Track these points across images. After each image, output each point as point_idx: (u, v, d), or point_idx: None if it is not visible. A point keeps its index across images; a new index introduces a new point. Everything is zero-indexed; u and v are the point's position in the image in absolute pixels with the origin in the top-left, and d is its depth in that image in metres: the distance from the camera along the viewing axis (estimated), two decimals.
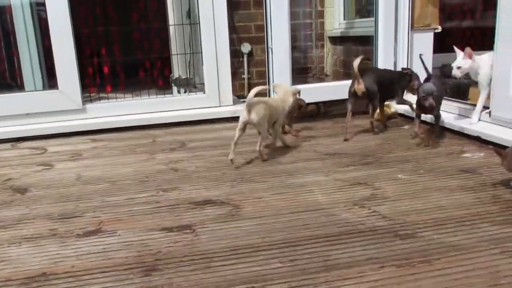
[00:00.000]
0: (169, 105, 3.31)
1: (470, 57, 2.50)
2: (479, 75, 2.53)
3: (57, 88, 3.09)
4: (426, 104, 2.27)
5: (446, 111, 2.87)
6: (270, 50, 3.08)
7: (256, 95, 2.19)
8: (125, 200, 1.80)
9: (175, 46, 3.88)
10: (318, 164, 2.17)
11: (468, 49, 2.50)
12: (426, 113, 2.44)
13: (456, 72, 2.55)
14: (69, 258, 1.35)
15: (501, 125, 2.42)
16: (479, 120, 2.56)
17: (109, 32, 4.84)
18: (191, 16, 3.70)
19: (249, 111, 2.16)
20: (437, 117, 2.45)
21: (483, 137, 2.38)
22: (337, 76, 4.58)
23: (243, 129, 2.20)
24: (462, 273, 1.19)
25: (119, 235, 1.48)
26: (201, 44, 3.31)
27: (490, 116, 2.50)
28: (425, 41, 3.37)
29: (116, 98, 3.33)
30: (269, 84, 3.09)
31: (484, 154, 2.21)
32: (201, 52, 3.32)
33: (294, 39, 4.67)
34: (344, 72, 4.44)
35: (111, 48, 4.65)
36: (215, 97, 3.29)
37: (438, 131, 2.49)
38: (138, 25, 5.06)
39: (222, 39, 3.31)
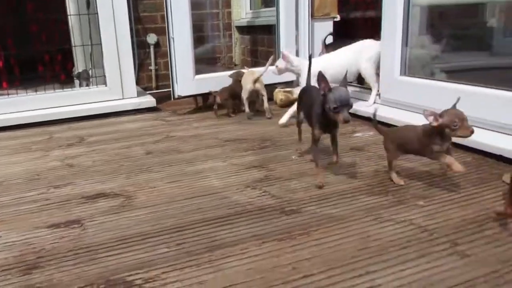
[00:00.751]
0: (69, 99, 3.20)
1: (285, 59, 2.67)
2: (300, 77, 2.72)
3: None
4: (341, 119, 1.54)
5: None
6: (171, 40, 3.07)
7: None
8: (11, 200, 1.74)
9: (77, 38, 3.74)
10: (218, 150, 2.22)
11: (284, 52, 2.68)
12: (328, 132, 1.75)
13: (274, 71, 2.74)
14: None
15: (389, 106, 2.60)
16: (374, 102, 2.73)
17: (1, 24, 4.56)
18: (90, 6, 3.58)
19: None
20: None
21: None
22: (246, 65, 4.65)
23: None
24: (337, 240, 1.28)
25: (0, 236, 1.43)
26: (100, 36, 3.23)
27: (380, 98, 2.68)
28: (325, 30, 3.52)
29: (7, 94, 3.16)
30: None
31: (373, 133, 2.36)
32: (101, 44, 3.24)
33: (201, 29, 4.68)
34: (252, 60, 4.53)
35: (4, 42, 4.39)
36: (117, 89, 3.23)
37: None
38: (35, 15, 4.81)
39: (123, 29, 3.25)
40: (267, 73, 2.86)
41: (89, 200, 1.68)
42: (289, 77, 3.45)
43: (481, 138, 1.91)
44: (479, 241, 1.23)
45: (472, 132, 1.42)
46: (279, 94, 3.21)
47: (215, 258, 1.22)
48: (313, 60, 2.65)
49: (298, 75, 2.74)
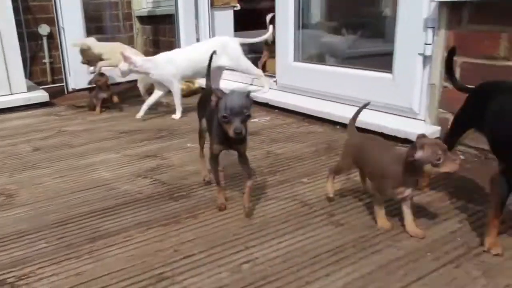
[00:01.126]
0: None
1: (126, 60, 2.54)
2: (151, 75, 2.59)
3: None
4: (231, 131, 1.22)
5: (242, 82, 3.09)
6: (62, 30, 2.94)
7: None
8: None
9: None
10: (112, 143, 2.17)
11: (124, 54, 2.54)
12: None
13: (118, 74, 2.63)
14: None
15: (284, 91, 2.69)
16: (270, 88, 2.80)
17: None
18: None
19: None
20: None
21: (270, 103, 2.62)
22: (148, 56, 4.57)
23: None
24: (222, 220, 1.32)
25: None
26: None
27: (276, 84, 2.76)
28: (225, 19, 3.55)
29: None
30: None
31: (270, 118, 2.44)
32: None
33: (99, 19, 4.52)
34: (154, 51, 4.44)
35: None
36: (3, 84, 3.03)
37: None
38: None
39: (7, 19, 3.04)
40: None
41: None
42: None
43: (364, 117, 2.02)
44: (353, 211, 1.32)
45: (459, 164, 1.10)
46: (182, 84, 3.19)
47: (96, 248, 1.21)
48: (168, 54, 2.66)
49: (146, 74, 2.60)
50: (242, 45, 2.76)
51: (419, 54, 1.90)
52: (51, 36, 4.12)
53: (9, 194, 1.61)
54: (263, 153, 1.88)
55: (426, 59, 1.89)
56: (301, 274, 1.03)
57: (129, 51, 2.75)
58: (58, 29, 2.93)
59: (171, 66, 2.58)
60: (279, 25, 2.70)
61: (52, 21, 4.06)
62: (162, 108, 2.83)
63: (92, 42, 2.84)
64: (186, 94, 3.17)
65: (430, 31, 1.84)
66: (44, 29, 4.07)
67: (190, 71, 2.62)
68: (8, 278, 1.10)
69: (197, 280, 1.05)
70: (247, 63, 2.73)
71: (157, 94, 2.66)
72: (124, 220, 1.35)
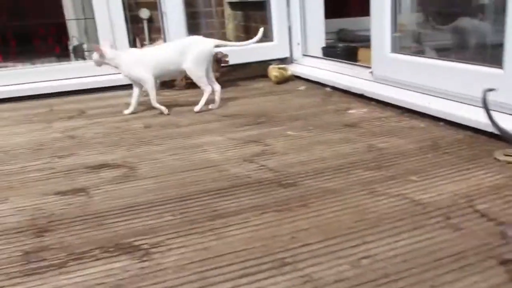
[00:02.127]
0: (67, 73, 3.18)
1: (98, 52, 2.47)
2: (120, 69, 2.52)
3: None
4: None
5: (337, 72, 3.06)
6: (164, 14, 3.05)
7: None
8: (19, 168, 1.76)
9: (71, 11, 3.70)
10: (215, 125, 2.24)
11: (94, 46, 2.54)
12: None
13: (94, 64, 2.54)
14: None
15: (381, 83, 2.63)
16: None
17: None
18: None
19: None
20: None
21: (366, 95, 2.58)
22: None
23: None
24: (334, 212, 1.32)
25: (12, 201, 1.46)
26: (93, 10, 3.19)
27: (372, 75, 2.70)
28: (317, 6, 3.51)
29: (6, 66, 3.13)
30: None
31: (366, 110, 2.40)
32: (94, 18, 3.21)
33: (193, 4, 4.63)
34: (245, 37, 4.50)
35: None
36: None
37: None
38: None
39: (116, 3, 3.21)
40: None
41: (93, 170, 1.70)
42: (282, 53, 3.48)
43: (473, 115, 1.95)
44: (471, 215, 1.27)
45: None
46: (273, 71, 3.22)
47: (217, 226, 1.26)
48: (139, 51, 2.63)
49: (116, 68, 2.52)
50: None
51: None
52: (150, 20, 4.28)
53: (131, 167, 1.72)
54: (365, 146, 1.86)
55: None
56: (424, 277, 1.02)
57: (104, 42, 2.63)
58: (161, 13, 3.04)
59: (140, 65, 2.47)
60: (374, 13, 2.61)
61: (151, 6, 4.22)
62: (261, 96, 2.87)
63: None
64: (280, 81, 3.19)
65: None
66: (144, 13, 4.23)
67: (158, 71, 2.50)
68: (143, 244, 1.18)
69: (318, 269, 1.07)
70: (200, 72, 2.48)
71: (135, 91, 2.56)
72: (239, 202, 1.40)
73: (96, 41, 3.38)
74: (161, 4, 2.99)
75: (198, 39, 2.53)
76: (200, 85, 2.52)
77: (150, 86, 2.50)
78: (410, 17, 2.96)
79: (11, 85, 2.99)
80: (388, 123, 2.15)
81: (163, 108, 2.51)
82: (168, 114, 2.48)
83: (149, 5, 4.18)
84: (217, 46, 2.55)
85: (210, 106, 2.57)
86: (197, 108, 2.50)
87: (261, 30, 2.61)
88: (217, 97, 2.58)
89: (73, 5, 3.56)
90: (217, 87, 2.58)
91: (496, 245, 1.12)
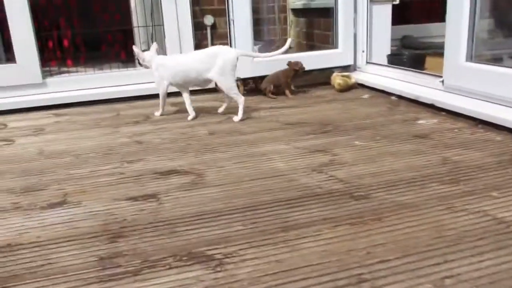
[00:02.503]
0: (132, 78, 3.28)
1: (131, 50, 2.61)
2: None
3: (15, 62, 3.01)
4: None
5: (403, 81, 2.98)
6: (231, 22, 3.08)
7: None
8: (90, 172, 1.82)
9: (140, 18, 3.82)
10: (279, 133, 2.23)
11: (133, 48, 2.62)
12: None
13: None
14: (34, 229, 1.37)
15: (453, 93, 2.53)
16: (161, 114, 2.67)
17: (68, 3, 4.71)
18: None
19: None
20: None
21: (436, 105, 2.49)
22: (301, 48, 4.61)
23: None
24: (410, 228, 1.27)
25: (85, 205, 1.51)
26: (162, 17, 3.28)
27: (443, 84, 2.60)
28: (383, 13, 3.45)
29: (77, 71, 3.28)
30: None
31: (437, 121, 2.31)
32: (163, 25, 3.29)
33: (257, 11, 4.66)
34: (307, 44, 4.48)
35: (71, 21, 4.53)
36: None
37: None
38: None
39: (184, 11, 3.30)
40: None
41: (162, 176, 1.73)
42: (346, 61, 3.43)
43: None
44: None
45: None
46: (337, 79, 3.17)
47: (290, 238, 1.24)
48: (166, 57, 2.62)
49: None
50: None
51: None
52: (213, 27, 4.36)
53: (199, 174, 1.74)
54: (438, 159, 1.79)
55: None
56: None
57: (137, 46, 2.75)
58: (228, 21, 3.08)
59: (162, 69, 2.56)
60: (450, 18, 2.51)
61: (215, 12, 4.30)
62: (324, 103, 2.84)
63: None
64: (343, 89, 3.14)
65: None
66: (209, 20, 4.30)
67: (179, 78, 2.55)
68: (216, 254, 1.18)
69: (398, 287, 1.03)
70: (229, 83, 2.49)
71: (184, 95, 2.65)
72: (311, 214, 1.38)
73: (163, 47, 3.48)
74: (229, 12, 3.03)
75: (221, 49, 2.55)
76: (232, 95, 2.53)
77: (161, 92, 2.63)
78: (483, 24, 2.83)
79: (81, 89, 3.13)
80: (461, 135, 2.06)
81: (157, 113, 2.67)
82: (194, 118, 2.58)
83: (214, 12, 4.26)
84: (241, 55, 2.55)
85: (218, 110, 2.67)
86: (236, 118, 2.51)
87: (289, 40, 2.59)
88: (240, 109, 2.56)
89: (142, 13, 3.68)
90: (241, 99, 2.55)
91: None
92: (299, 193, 1.53)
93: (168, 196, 1.55)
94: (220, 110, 2.70)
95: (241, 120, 2.50)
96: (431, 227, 1.27)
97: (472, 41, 2.44)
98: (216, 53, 2.50)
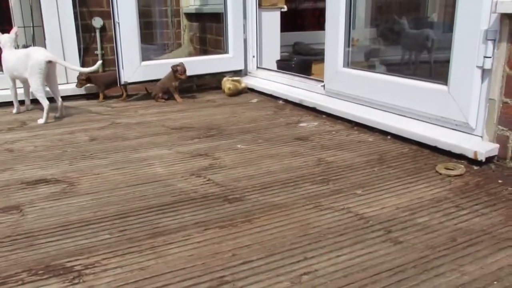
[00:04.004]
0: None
1: None
2: None
3: None
4: None
5: (289, 85, 3.08)
6: (117, 24, 2.99)
7: None
8: None
9: (18, 18, 3.56)
10: (164, 138, 2.20)
11: None
12: None
13: None
14: None
15: (332, 97, 2.66)
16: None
17: None
18: None
19: None
20: None
21: (318, 108, 2.61)
22: (194, 53, 4.60)
23: None
24: (278, 227, 1.31)
25: None
26: (42, 17, 3.09)
27: (324, 89, 2.73)
28: (273, 20, 3.55)
29: None
30: None
31: (317, 123, 2.42)
32: (43, 26, 3.11)
33: (148, 14, 4.58)
34: (200, 48, 4.48)
35: None
36: (61, 73, 3.10)
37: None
38: None
39: (66, 11, 3.14)
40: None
41: (29, 186, 1.62)
42: (237, 65, 3.48)
43: (417, 129, 2.00)
44: (411, 228, 1.29)
45: None
46: (227, 83, 3.21)
47: (157, 244, 1.22)
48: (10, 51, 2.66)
49: None
50: None
51: (478, 66, 1.83)
52: (103, 29, 4.20)
53: (70, 182, 1.65)
54: (314, 160, 1.87)
55: (485, 73, 1.83)
56: None
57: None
58: (114, 23, 2.98)
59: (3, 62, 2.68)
60: (329, 28, 2.65)
61: (105, 15, 4.15)
62: (213, 107, 2.85)
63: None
64: (233, 93, 3.18)
65: (490, 44, 1.78)
66: (97, 22, 4.14)
67: (13, 74, 2.66)
68: (75, 265, 1.13)
69: (257, 287, 1.05)
70: (35, 85, 2.53)
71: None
72: (182, 219, 1.37)
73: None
74: (114, 14, 2.93)
75: (33, 50, 2.59)
76: (37, 97, 2.56)
77: (8, 83, 2.71)
78: (363, 33, 3.03)
79: None
80: (338, 137, 2.18)
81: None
82: None
83: (103, 14, 4.11)
84: (49, 61, 2.55)
85: (56, 114, 2.66)
86: (40, 121, 2.55)
87: (99, 63, 2.67)
88: (59, 109, 2.65)
89: (21, 12, 3.44)
90: (58, 100, 2.64)
91: (433, 258, 1.14)
92: (173, 198, 1.51)
93: (33, 207, 1.45)
94: (57, 114, 2.67)
95: (45, 123, 2.52)
96: (298, 226, 1.32)
97: (349, 47, 2.60)
98: (28, 54, 2.54)
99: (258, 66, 3.52)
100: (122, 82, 3.05)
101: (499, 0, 1.69)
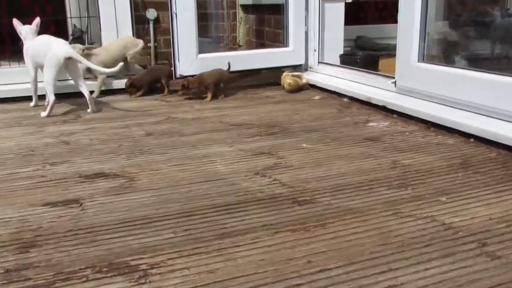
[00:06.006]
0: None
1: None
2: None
3: None
4: None
5: (355, 81, 3.01)
6: (174, 15, 3.02)
7: None
8: (6, 175, 1.71)
9: (74, 8, 3.68)
10: (223, 135, 2.19)
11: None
12: None
13: None
14: None
15: (405, 94, 2.57)
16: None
17: None
18: None
19: None
20: None
21: (388, 107, 2.52)
22: (250, 46, 4.60)
23: None
24: (355, 234, 1.26)
25: None
26: (98, 8, 3.18)
27: (395, 85, 2.65)
28: (336, 12, 3.48)
29: (0, 65, 3.12)
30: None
31: (388, 123, 2.34)
32: (99, 17, 3.19)
33: (204, 6, 4.62)
34: (257, 42, 4.47)
35: None
36: None
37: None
38: None
39: (123, 2, 3.20)
40: None
41: (87, 180, 1.65)
42: (297, 60, 3.44)
43: (506, 132, 1.89)
44: (509, 242, 1.21)
45: None
46: (287, 79, 3.17)
47: (225, 246, 1.20)
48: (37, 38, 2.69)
49: None
50: None
51: None
52: (157, 21, 4.27)
53: (130, 177, 1.67)
54: (388, 162, 1.80)
55: None
56: None
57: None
58: (171, 14, 3.01)
59: (26, 55, 2.72)
60: (402, 20, 2.56)
61: (159, 6, 4.22)
62: (273, 104, 2.83)
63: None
64: (294, 89, 3.14)
65: None
66: (151, 14, 4.21)
67: (35, 63, 2.70)
68: (140, 264, 1.12)
69: None
70: (47, 78, 2.57)
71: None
72: (250, 220, 1.34)
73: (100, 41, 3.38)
74: (172, 5, 2.97)
75: (56, 42, 2.62)
76: (46, 90, 2.59)
77: (30, 75, 2.75)
78: (439, 24, 2.92)
79: (2, 85, 2.97)
80: (413, 138, 2.10)
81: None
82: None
83: (157, 6, 4.18)
84: (68, 57, 2.57)
85: (88, 110, 2.67)
86: (43, 113, 2.58)
87: (120, 64, 2.67)
88: (89, 103, 2.67)
89: (76, 3, 3.56)
90: (86, 93, 2.66)
91: None
92: (238, 198, 1.49)
93: (93, 201, 1.47)
94: (88, 109, 2.68)
95: (48, 116, 2.56)
96: (376, 234, 1.26)
97: (424, 41, 2.50)
98: (50, 44, 2.59)
99: (320, 60, 3.46)
100: (178, 75, 3.08)
101: None
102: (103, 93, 3.05)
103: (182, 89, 2.95)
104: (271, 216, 1.36)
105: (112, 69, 2.65)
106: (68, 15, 3.67)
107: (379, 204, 1.44)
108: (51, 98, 2.56)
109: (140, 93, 3.07)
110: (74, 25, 3.62)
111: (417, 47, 2.50)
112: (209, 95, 2.92)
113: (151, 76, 3.15)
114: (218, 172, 1.72)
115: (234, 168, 1.75)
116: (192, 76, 3.08)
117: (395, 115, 2.45)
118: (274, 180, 1.63)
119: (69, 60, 2.57)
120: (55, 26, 4.00)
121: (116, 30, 3.22)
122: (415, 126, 2.27)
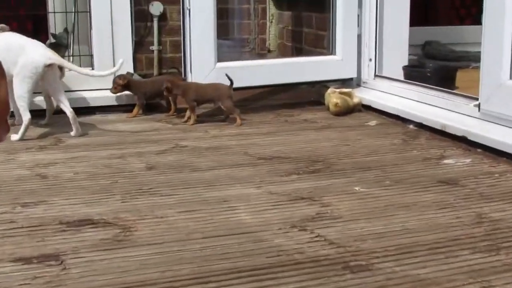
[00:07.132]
0: None
1: None
2: None
3: None
4: None
5: (425, 103, 3.00)
6: (187, 11, 3.08)
7: None
8: None
9: (56, 2, 3.79)
10: (249, 171, 2.22)
11: None
12: None
13: None
14: None
15: (493, 122, 2.55)
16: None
17: None
18: None
19: None
20: None
21: (470, 138, 2.51)
22: (284, 53, 4.65)
23: None
24: None
25: None
26: (89, 0, 3.27)
27: (479, 110, 2.63)
28: (399, 10, 3.49)
29: None
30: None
31: (470, 161, 2.33)
32: (89, 11, 3.27)
33: (225, 0, 4.72)
34: (293, 47, 4.52)
35: None
36: (109, 78, 3.23)
37: None
38: None
39: None
40: None
41: (70, 228, 1.68)
42: (346, 72, 3.46)
43: None
44: None
45: None
46: (333, 97, 3.18)
47: None
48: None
49: None
50: None
51: None
52: (163, 18, 4.33)
53: (125, 226, 1.69)
54: (471, 215, 1.79)
55: None
56: None
57: None
58: (183, 10, 3.08)
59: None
60: (488, 16, 2.56)
61: None
62: (315, 130, 2.84)
63: None
64: (341, 111, 3.14)
65: None
66: (156, 8, 4.26)
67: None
68: None
69: None
70: (21, 91, 2.56)
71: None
72: None
73: (89, 42, 3.45)
74: None
75: (32, 45, 2.65)
76: (19, 107, 2.59)
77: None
78: None
79: None
80: (504, 182, 2.09)
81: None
82: None
83: None
84: (49, 64, 2.60)
85: (71, 133, 2.69)
86: (15, 137, 2.57)
87: (121, 61, 2.73)
88: (73, 124, 2.69)
89: None
90: (68, 111, 2.67)
91: None
92: (270, 260, 1.49)
93: (77, 258, 1.49)
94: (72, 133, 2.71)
95: (20, 140, 2.58)
96: None
97: None
98: (24, 47, 2.60)
99: (377, 73, 3.48)
100: None
101: None
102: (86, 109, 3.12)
103: (165, 90, 3.01)
104: (314, 287, 1.36)
105: (111, 70, 2.77)
106: (50, 9, 3.76)
107: (460, 273, 1.42)
108: (25, 117, 2.60)
109: (137, 110, 3.12)
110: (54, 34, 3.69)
111: (510, 59, 2.49)
112: (192, 117, 2.97)
113: (153, 89, 3.19)
114: (242, 223, 1.73)
115: (263, 219, 1.77)
116: (184, 79, 3.14)
117: (479, 150, 2.45)
118: (317, 236, 1.63)
119: (49, 67, 2.63)
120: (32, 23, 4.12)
121: (111, 29, 3.28)
122: (507, 165, 2.26)
